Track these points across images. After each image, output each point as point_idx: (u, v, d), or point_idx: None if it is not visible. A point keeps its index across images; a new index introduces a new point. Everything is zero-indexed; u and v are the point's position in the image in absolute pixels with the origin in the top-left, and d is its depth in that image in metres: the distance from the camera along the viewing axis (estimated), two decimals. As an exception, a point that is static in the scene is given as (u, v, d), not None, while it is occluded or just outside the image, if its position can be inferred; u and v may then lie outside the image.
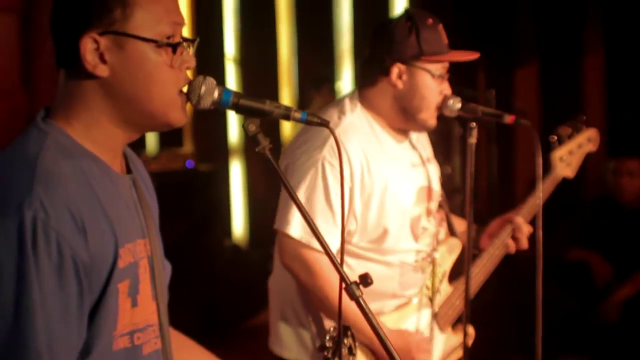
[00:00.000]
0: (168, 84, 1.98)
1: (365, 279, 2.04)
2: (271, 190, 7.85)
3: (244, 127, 2.04)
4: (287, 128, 8.03)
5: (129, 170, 2.10)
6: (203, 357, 2.48)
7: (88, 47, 1.90)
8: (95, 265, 1.86)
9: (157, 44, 1.95)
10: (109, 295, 1.90)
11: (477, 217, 3.61)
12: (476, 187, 7.19)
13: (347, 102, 3.37)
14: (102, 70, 1.92)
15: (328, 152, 3.18)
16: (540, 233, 3.46)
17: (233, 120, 7.79)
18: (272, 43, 7.88)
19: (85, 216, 1.85)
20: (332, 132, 2.14)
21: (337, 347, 2.25)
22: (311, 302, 3.32)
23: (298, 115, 2.09)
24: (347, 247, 3.26)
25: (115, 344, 1.94)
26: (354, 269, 3.27)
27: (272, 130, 8.02)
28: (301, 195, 3.17)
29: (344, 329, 2.27)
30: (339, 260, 2.07)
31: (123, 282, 1.95)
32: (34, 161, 1.85)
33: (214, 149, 7.51)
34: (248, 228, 7.82)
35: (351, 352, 2.29)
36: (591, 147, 3.83)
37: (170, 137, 6.91)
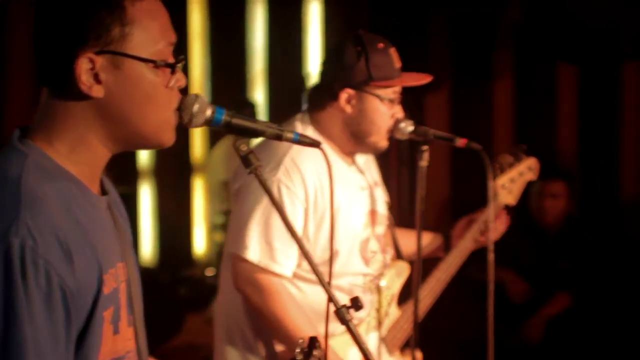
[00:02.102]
0: (164, 104, 1.93)
1: (357, 303, 2.03)
2: (180, 213, 7.83)
3: (235, 147, 2.03)
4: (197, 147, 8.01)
5: (103, 191, 2.03)
6: None
7: (84, 67, 1.83)
8: (81, 292, 1.80)
9: (156, 64, 1.89)
10: (94, 323, 1.85)
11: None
12: (398, 210, 7.25)
13: (298, 124, 3.36)
14: (97, 91, 1.85)
15: (283, 174, 3.18)
16: (492, 256, 3.51)
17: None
18: (184, 65, 7.83)
19: (70, 242, 1.78)
20: (324, 153, 2.13)
21: (307, 358, 2.23)
22: (261, 326, 3.29)
23: (290, 135, 2.09)
24: (298, 271, 3.25)
25: None
26: (305, 292, 3.27)
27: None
28: (258, 216, 3.15)
29: (312, 341, 2.24)
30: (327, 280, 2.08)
31: (108, 310, 1.89)
32: (16, 184, 1.77)
33: (124, 172, 7.42)
34: (157, 251, 7.76)
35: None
36: (531, 176, 3.89)
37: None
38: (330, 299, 2.02)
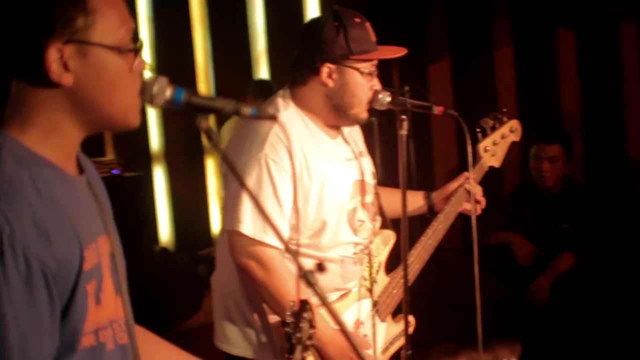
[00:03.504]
0: (129, 88, 2.00)
1: (321, 266, 2.08)
2: (193, 193, 7.90)
3: (197, 124, 2.05)
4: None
5: (81, 170, 2.10)
6: (170, 351, 2.52)
7: (53, 57, 1.89)
8: (62, 271, 1.87)
9: (120, 50, 1.97)
10: (77, 298, 1.92)
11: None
12: (396, 179, 7.30)
13: (280, 100, 3.44)
14: (67, 79, 1.92)
15: (269, 149, 3.25)
16: (474, 219, 3.60)
17: (154, 127, 7.80)
18: (187, 49, 7.88)
19: (48, 225, 1.86)
20: (282, 126, 2.20)
21: (297, 320, 2.25)
22: (257, 298, 3.37)
23: (248, 111, 2.11)
24: (289, 245, 3.33)
25: (81, 344, 1.96)
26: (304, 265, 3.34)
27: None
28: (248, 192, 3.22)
29: (302, 303, 2.26)
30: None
31: (90, 283, 1.97)
32: None
33: (136, 156, 7.51)
34: (174, 232, 7.83)
35: (312, 325, 2.34)
36: (514, 137, 3.98)
37: (92, 148, 6.87)
38: (298, 265, 2.05)
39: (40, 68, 1.91)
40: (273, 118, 2.18)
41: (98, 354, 2.02)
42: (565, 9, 7.35)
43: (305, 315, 2.26)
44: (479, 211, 3.82)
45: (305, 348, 2.31)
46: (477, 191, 3.81)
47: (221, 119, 7.63)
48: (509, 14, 7.84)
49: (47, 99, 1.95)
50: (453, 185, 3.83)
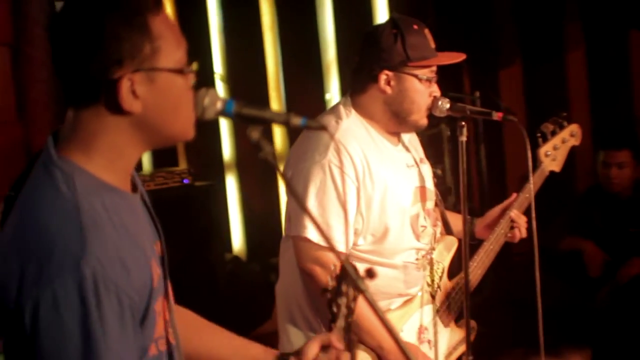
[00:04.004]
0: (189, 105, 2.05)
1: (370, 273, 2.06)
2: (265, 202, 7.95)
3: (247, 135, 2.07)
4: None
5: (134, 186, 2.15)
6: (218, 334, 2.52)
7: (125, 87, 1.94)
8: (140, 299, 1.93)
9: (183, 72, 2.02)
10: (149, 317, 1.98)
11: (470, 214, 3.73)
12: (468, 186, 7.28)
13: (341, 107, 3.47)
14: (136, 106, 1.96)
15: (332, 156, 3.27)
16: (534, 224, 3.58)
17: (226, 137, 7.85)
18: (258, 58, 7.92)
19: (127, 256, 1.91)
20: (332, 136, 2.22)
21: (339, 286, 2.22)
22: (322, 304, 3.38)
23: (298, 121, 2.12)
24: (352, 251, 3.36)
25: (147, 357, 2.01)
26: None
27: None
28: (312, 199, 3.26)
29: (343, 268, 2.20)
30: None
31: (158, 300, 2.03)
32: (74, 209, 1.88)
33: (209, 165, 7.57)
34: (245, 240, 7.87)
35: (356, 289, 2.22)
36: (574, 142, 3.98)
37: (165, 157, 6.97)
38: (347, 269, 2.07)
39: (111, 98, 1.95)
40: (322, 128, 2.22)
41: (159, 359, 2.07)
42: (638, 11, 7.25)
43: (348, 280, 2.24)
44: (517, 238, 3.79)
45: (350, 314, 2.27)
46: (521, 221, 3.79)
47: (293, 133, 7.67)
48: (580, 17, 7.75)
49: (111, 125, 1.98)
50: (496, 212, 3.83)
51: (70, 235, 1.84)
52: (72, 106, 2.01)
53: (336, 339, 2.31)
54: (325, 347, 2.37)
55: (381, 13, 8.11)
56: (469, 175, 7.22)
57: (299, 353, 2.39)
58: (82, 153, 1.98)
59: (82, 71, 1.95)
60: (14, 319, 1.84)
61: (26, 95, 5.74)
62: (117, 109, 1.95)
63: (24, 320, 1.82)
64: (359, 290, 2.07)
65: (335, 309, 2.26)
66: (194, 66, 2.07)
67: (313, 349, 2.37)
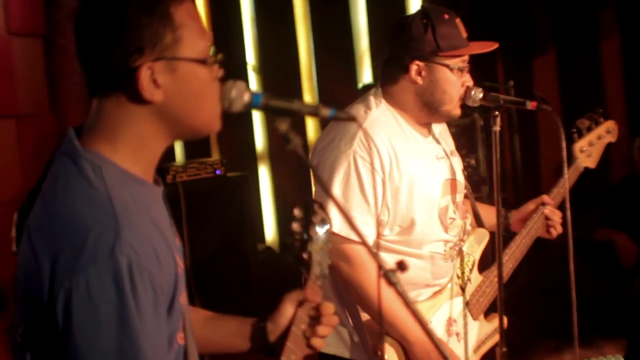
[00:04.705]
0: (214, 97, 2.03)
1: (402, 265, 2.04)
2: (298, 192, 7.94)
3: (275, 127, 2.06)
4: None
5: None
6: (225, 321, 2.49)
7: (145, 76, 1.93)
8: (168, 289, 1.93)
9: (206, 62, 2.00)
10: (176, 307, 1.97)
11: (504, 205, 3.70)
12: (502, 176, 7.25)
13: (371, 98, 3.44)
14: (157, 95, 1.95)
15: (358, 146, 3.24)
16: (569, 215, 3.55)
17: (258, 127, 7.86)
18: (291, 49, 7.92)
19: (157, 246, 1.91)
20: (360, 126, 2.19)
21: (306, 230, 2.20)
22: (347, 299, 3.38)
23: (326, 112, 2.10)
24: (380, 242, 3.34)
25: (172, 349, 2.00)
26: (387, 263, 3.34)
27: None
28: (336, 189, 3.22)
29: (309, 204, 2.24)
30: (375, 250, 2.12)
31: (183, 293, 2.03)
32: (106, 198, 1.87)
33: (241, 156, 7.58)
34: (278, 231, 7.88)
35: (324, 222, 2.24)
36: (610, 138, 3.95)
37: (197, 148, 6.99)
38: (378, 263, 2.03)
39: (132, 87, 1.94)
40: (352, 119, 2.21)
41: (179, 353, 2.06)
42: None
43: (315, 218, 2.22)
44: (554, 235, 3.77)
45: (323, 257, 2.23)
46: (556, 217, 3.77)
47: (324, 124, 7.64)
48: (614, 4, 7.69)
49: (135, 115, 1.98)
50: (530, 206, 3.81)
51: (103, 224, 1.83)
52: (95, 96, 2.01)
53: (311, 293, 2.28)
54: (301, 304, 2.31)
55: (414, 1, 8.08)
56: (502, 166, 7.20)
57: (274, 317, 2.35)
58: (108, 144, 1.97)
59: (104, 59, 1.94)
60: (46, 311, 1.83)
61: (59, 87, 5.76)
62: (138, 97, 1.95)
63: (56, 311, 1.81)
64: (391, 283, 2.02)
65: (306, 257, 2.22)
66: (219, 57, 2.05)
67: (288, 309, 2.33)
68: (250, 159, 7.82)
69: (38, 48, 5.72)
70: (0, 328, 5.06)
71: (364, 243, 2.09)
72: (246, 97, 2.06)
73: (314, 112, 2.12)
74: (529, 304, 6.34)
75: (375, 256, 2.06)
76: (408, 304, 2.02)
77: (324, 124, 7.39)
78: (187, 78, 1.98)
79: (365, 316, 3.37)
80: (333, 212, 3.21)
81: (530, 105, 3.50)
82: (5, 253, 5.38)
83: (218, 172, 6.33)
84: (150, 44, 1.93)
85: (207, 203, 6.01)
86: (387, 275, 2.03)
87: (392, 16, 7.92)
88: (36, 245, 1.89)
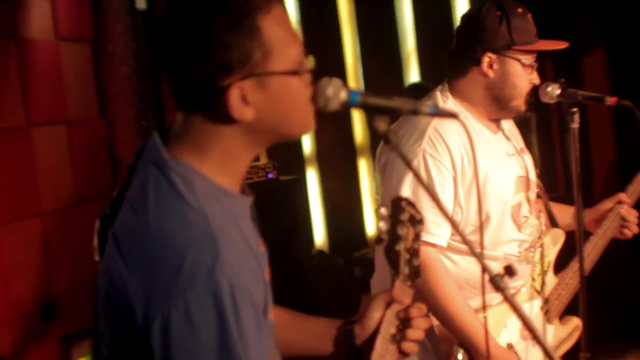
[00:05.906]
0: (308, 105, 1.93)
1: (510, 270, 1.95)
2: (346, 195, 7.90)
3: (373, 126, 1.93)
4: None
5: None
6: (302, 321, 2.42)
7: (234, 95, 1.84)
8: (262, 306, 1.86)
9: (299, 73, 1.90)
10: (268, 324, 1.90)
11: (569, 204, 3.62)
12: (554, 175, 7.16)
13: (438, 94, 3.37)
14: (248, 114, 1.86)
15: (427, 144, 3.18)
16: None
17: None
18: (337, 50, 7.88)
19: (249, 260, 1.85)
20: (463, 124, 2.11)
21: (394, 228, 2.12)
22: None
23: (427, 109, 2.01)
24: (450, 242, 3.25)
25: None
26: (458, 264, 3.27)
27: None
28: (406, 189, 3.14)
29: (397, 201, 2.15)
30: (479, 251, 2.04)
31: (272, 309, 1.95)
32: (201, 216, 1.80)
33: (289, 160, 7.54)
34: (328, 234, 7.85)
35: (414, 220, 2.16)
36: None
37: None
38: (484, 268, 1.90)
39: (221, 106, 1.85)
40: (452, 116, 2.11)
41: None
42: None
43: (403, 216, 2.14)
44: (629, 236, 3.68)
45: (413, 257, 2.16)
46: (632, 217, 3.68)
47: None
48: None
49: (224, 133, 1.90)
50: (607, 205, 3.71)
51: (200, 244, 1.76)
52: (181, 109, 1.93)
53: (400, 294, 2.17)
54: (390, 305, 2.20)
55: (461, 3, 8.02)
56: (554, 164, 7.11)
57: (362, 319, 2.24)
58: (196, 156, 1.90)
59: (189, 78, 1.86)
60: (139, 333, 1.77)
61: (108, 92, 5.73)
62: (227, 117, 1.86)
63: (150, 336, 1.74)
64: (498, 289, 1.88)
65: (393, 257, 2.14)
66: (311, 61, 1.95)
67: (377, 311, 2.21)
68: (298, 163, 7.78)
69: (86, 53, 5.69)
70: (53, 336, 5.03)
71: (472, 252, 1.97)
72: (343, 95, 1.91)
73: (413, 110, 2.00)
74: (596, 305, 6.25)
75: (480, 260, 1.91)
76: (517, 311, 1.91)
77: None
78: (279, 92, 1.89)
79: (434, 320, 3.28)
80: None
81: (610, 101, 3.41)
82: (59, 262, 5.34)
83: (270, 175, 6.28)
84: (238, 63, 1.82)
85: (260, 207, 5.95)
86: (494, 281, 1.90)
87: (439, 15, 7.89)
88: (127, 259, 1.82)
